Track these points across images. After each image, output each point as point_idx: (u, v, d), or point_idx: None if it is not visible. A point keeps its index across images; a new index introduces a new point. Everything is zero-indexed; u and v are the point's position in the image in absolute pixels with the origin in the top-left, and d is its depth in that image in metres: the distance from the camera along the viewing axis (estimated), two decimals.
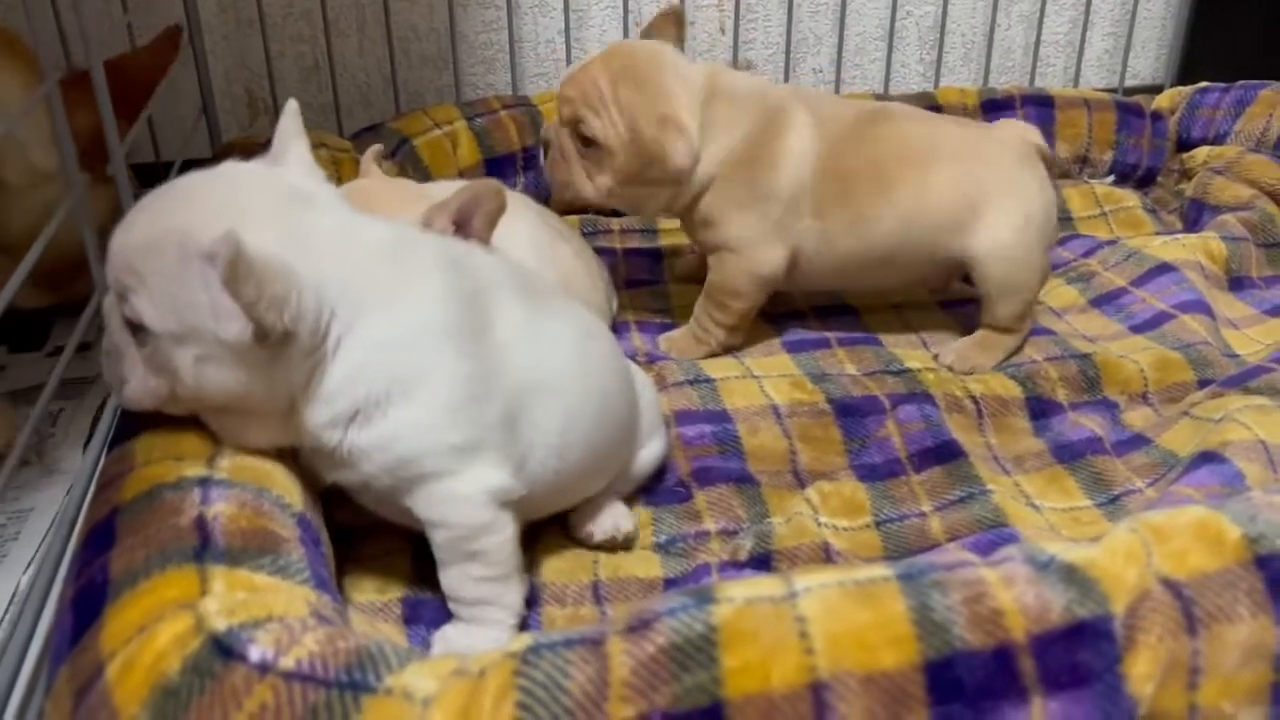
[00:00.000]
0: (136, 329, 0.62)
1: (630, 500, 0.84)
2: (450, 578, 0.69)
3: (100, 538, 0.58)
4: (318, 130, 1.35)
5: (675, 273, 1.22)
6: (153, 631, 0.50)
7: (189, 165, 1.19)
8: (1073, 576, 0.50)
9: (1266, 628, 0.50)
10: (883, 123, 1.02)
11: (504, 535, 0.68)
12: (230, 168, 0.66)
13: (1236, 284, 1.22)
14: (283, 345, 0.61)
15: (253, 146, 1.16)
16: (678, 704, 0.45)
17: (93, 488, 0.67)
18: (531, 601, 0.74)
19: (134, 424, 0.69)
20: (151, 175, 1.29)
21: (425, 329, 0.65)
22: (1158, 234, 1.34)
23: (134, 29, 1.29)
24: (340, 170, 1.16)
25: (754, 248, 1.00)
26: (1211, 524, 0.53)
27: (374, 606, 0.73)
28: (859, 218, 1.00)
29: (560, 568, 0.78)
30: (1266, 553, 0.52)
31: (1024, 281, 1.02)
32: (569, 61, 1.46)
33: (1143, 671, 0.48)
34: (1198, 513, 0.54)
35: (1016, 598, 0.49)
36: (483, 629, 0.69)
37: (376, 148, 0.99)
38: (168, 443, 0.66)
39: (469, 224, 0.81)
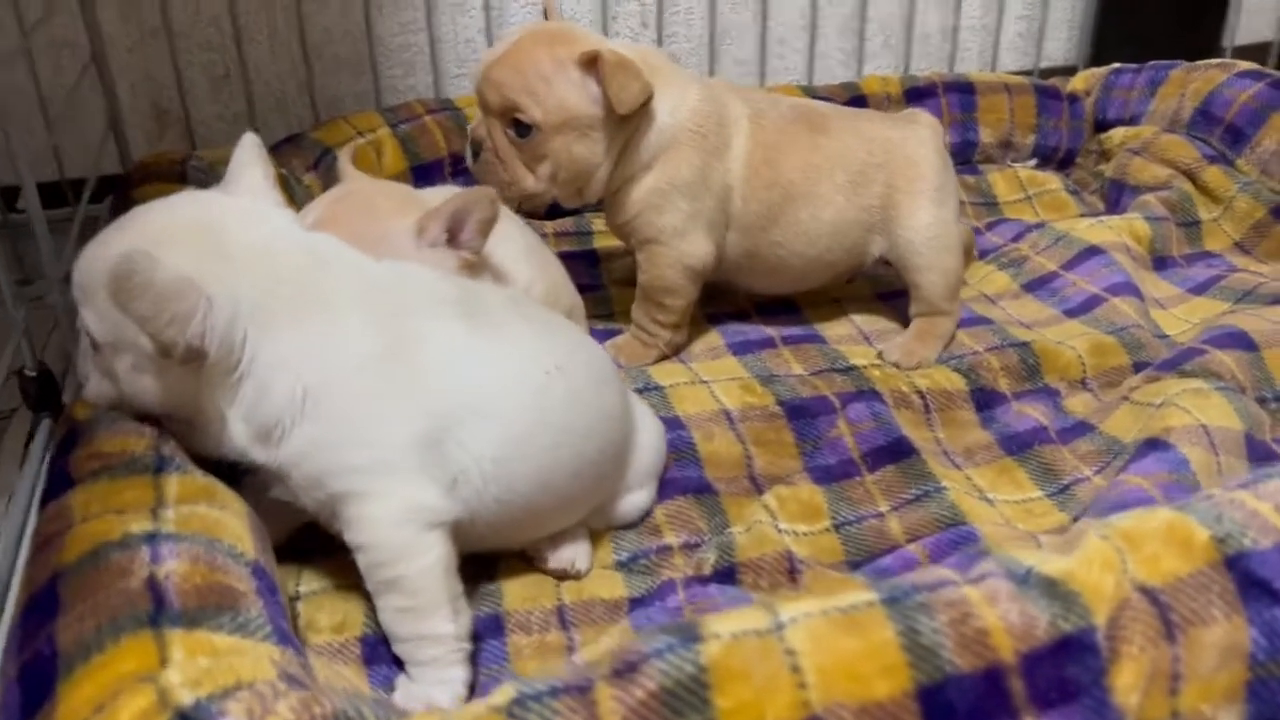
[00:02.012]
0: (91, 337, 0.68)
1: None
2: (381, 612, 0.67)
3: (43, 605, 0.55)
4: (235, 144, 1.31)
5: (613, 276, 1.20)
6: (112, 710, 0.47)
7: (106, 182, 1.16)
8: (1054, 590, 0.51)
9: (1240, 627, 0.51)
10: (819, 133, 1.03)
11: (424, 561, 0.66)
12: (180, 196, 0.71)
13: (1160, 263, 1.25)
14: (197, 360, 0.64)
15: (169, 164, 1.12)
16: None
17: (27, 546, 0.63)
18: (495, 630, 0.73)
19: (66, 477, 0.66)
20: (56, 194, 1.24)
21: (326, 347, 0.66)
22: (1082, 216, 1.37)
23: (31, 39, 1.22)
24: None
25: (683, 239, 0.99)
26: (1180, 527, 0.54)
27: (332, 648, 0.70)
28: (790, 224, 1.02)
29: (521, 593, 0.76)
30: (1234, 553, 0.52)
31: (949, 259, 1.05)
32: None
33: (1127, 682, 0.49)
34: (1165, 515, 0.55)
35: (1002, 616, 0.49)
36: (434, 671, 0.67)
37: (350, 147, 0.96)
38: (107, 493, 0.63)
39: (461, 232, 0.80)
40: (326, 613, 0.73)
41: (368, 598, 0.71)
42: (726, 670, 0.47)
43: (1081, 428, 0.94)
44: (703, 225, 1.00)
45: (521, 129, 0.95)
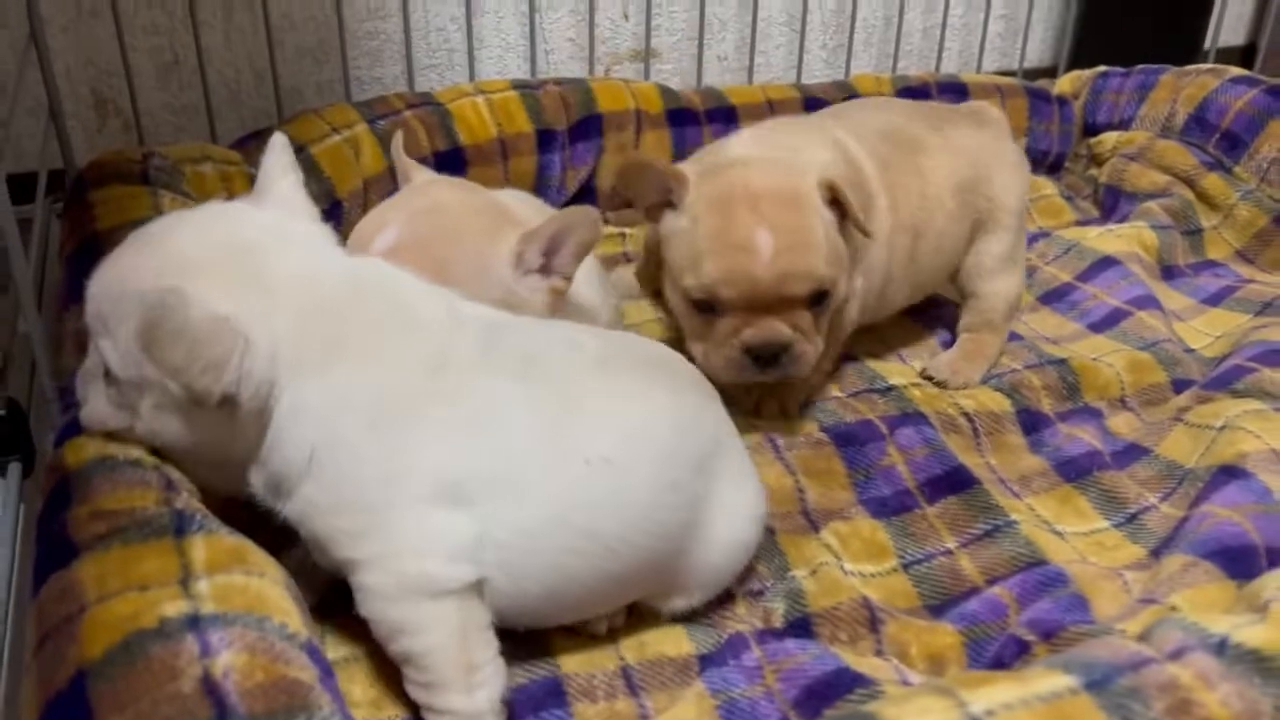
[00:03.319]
0: (106, 368, 0.60)
1: None
2: (404, 682, 0.61)
3: (69, 713, 0.45)
4: (194, 140, 1.19)
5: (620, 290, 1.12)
6: None
7: (55, 176, 1.03)
8: (1261, 663, 0.45)
9: None
10: (919, 154, 0.95)
11: (432, 637, 0.59)
12: (209, 210, 0.63)
13: (1167, 273, 1.23)
14: (231, 405, 0.57)
15: (128, 163, 1.00)
16: None
17: (14, 596, 0.53)
18: (556, 699, 0.65)
19: (67, 543, 0.55)
20: None
21: (345, 399, 0.59)
22: (1079, 223, 1.34)
23: None
24: (231, 186, 1.01)
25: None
26: None
27: None
28: (917, 263, 0.96)
29: (580, 656, 0.68)
30: None
31: (1017, 275, 1.00)
32: (470, 51, 1.33)
33: None
34: None
35: (1223, 701, 0.43)
36: None
37: (399, 135, 0.86)
38: (123, 564, 0.53)
39: (556, 254, 0.72)
40: (360, 685, 0.65)
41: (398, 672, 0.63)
42: None
43: (1135, 450, 0.90)
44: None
45: (820, 298, 0.82)
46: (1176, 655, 0.46)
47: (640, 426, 0.65)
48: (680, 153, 1.26)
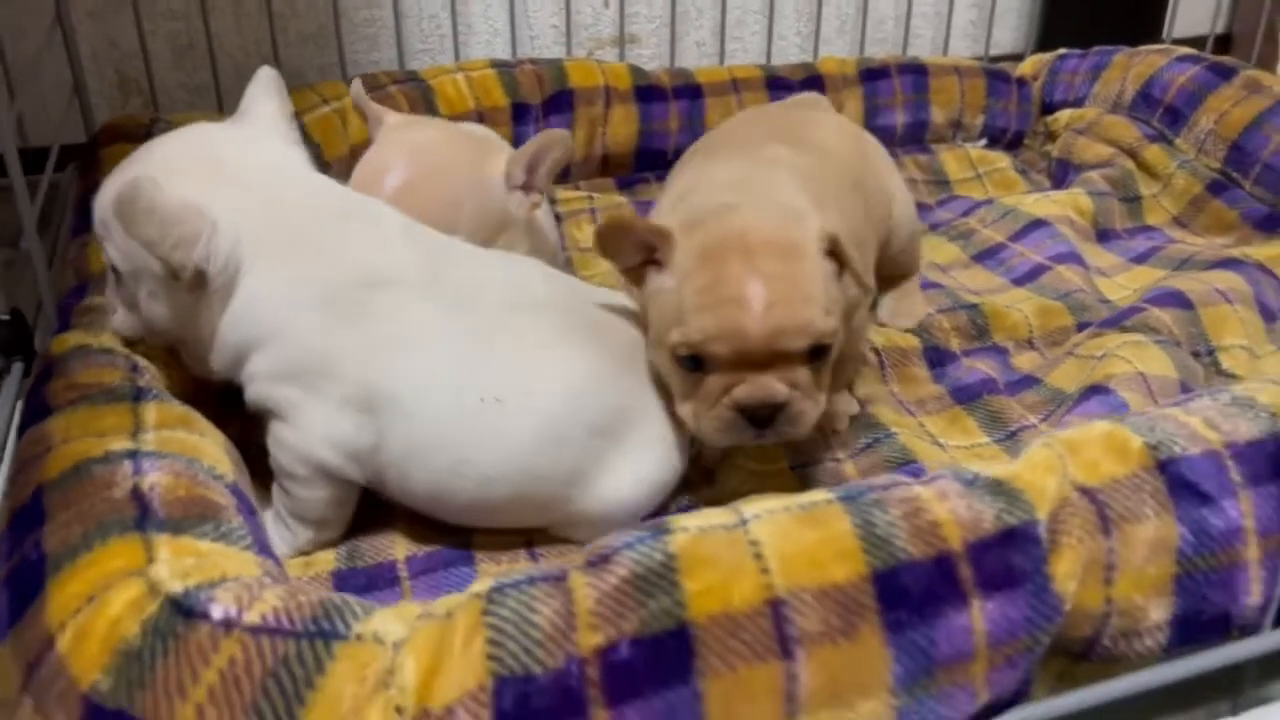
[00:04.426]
0: (115, 270, 0.72)
1: None
2: (274, 489, 0.74)
3: (28, 517, 0.56)
4: (200, 112, 1.32)
5: (577, 243, 1.23)
6: (103, 600, 0.49)
7: (67, 151, 1.16)
8: (999, 489, 0.54)
9: (1169, 525, 0.55)
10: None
11: (316, 494, 0.71)
12: (190, 129, 0.74)
13: (1103, 236, 1.30)
14: (203, 285, 0.68)
15: (135, 126, 1.13)
16: (645, 629, 0.47)
17: (7, 470, 0.64)
18: (465, 560, 0.75)
19: (44, 406, 0.67)
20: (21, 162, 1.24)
21: (297, 292, 0.69)
22: (1029, 193, 1.42)
23: None
24: None
25: None
26: (1118, 435, 0.58)
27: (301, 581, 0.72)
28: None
29: (494, 538, 0.77)
30: (1166, 458, 0.56)
31: (917, 219, 1.09)
32: (455, 37, 1.45)
33: (1066, 570, 0.52)
34: (1104, 426, 0.59)
35: (951, 510, 0.52)
36: (275, 532, 0.73)
37: (359, 80, 0.97)
38: (86, 419, 0.64)
39: (535, 172, 0.83)
40: None
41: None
42: (694, 557, 0.49)
43: (1028, 381, 0.98)
44: None
45: (820, 351, 0.73)
46: (928, 482, 0.55)
47: (540, 378, 0.72)
48: (647, 127, 1.37)
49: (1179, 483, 0.56)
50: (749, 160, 0.85)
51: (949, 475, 0.55)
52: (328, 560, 0.74)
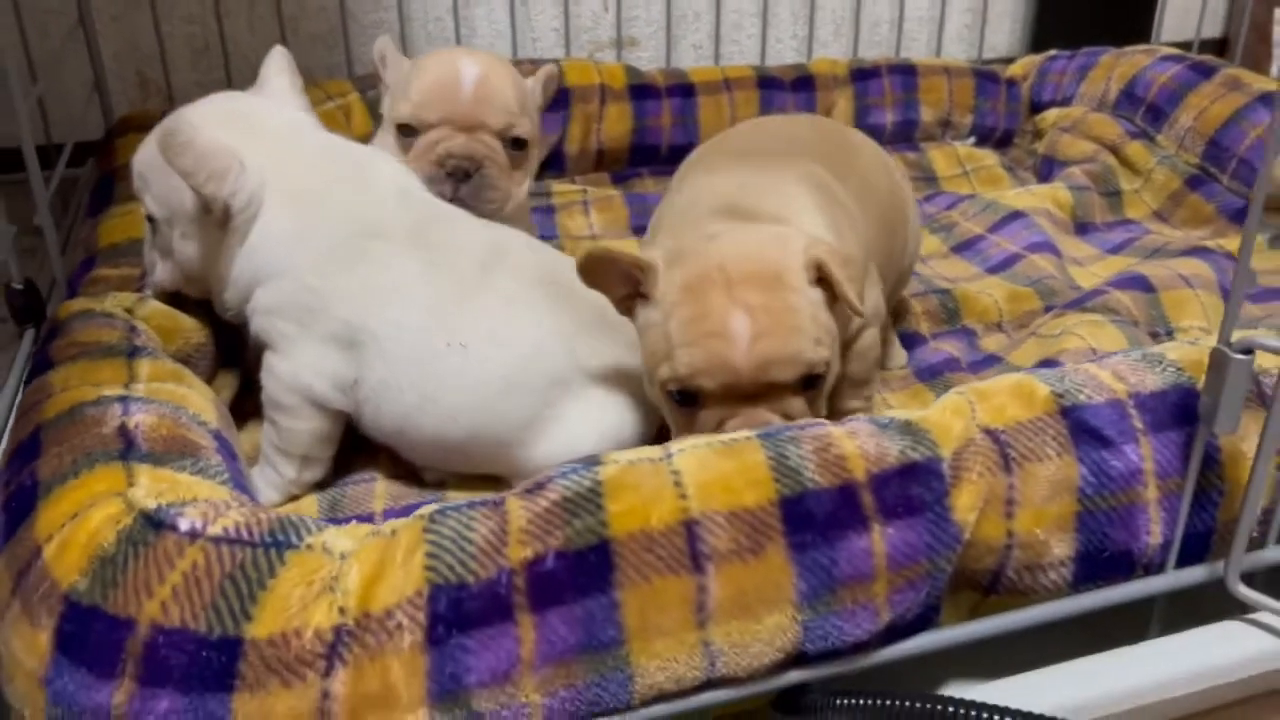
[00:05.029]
0: (152, 223, 0.81)
1: None
2: (264, 428, 0.80)
3: (26, 451, 0.62)
4: None
5: (568, 231, 1.28)
6: (86, 515, 0.54)
7: (81, 148, 1.24)
8: (908, 429, 0.59)
9: (1070, 465, 0.59)
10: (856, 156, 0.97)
11: (301, 425, 0.78)
12: (217, 95, 0.84)
13: (1082, 228, 1.34)
14: (227, 220, 0.76)
15: (151, 119, 1.20)
16: (569, 544, 0.52)
17: (13, 417, 0.70)
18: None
19: (47, 361, 0.72)
20: (44, 157, 1.31)
21: (300, 237, 0.77)
22: (1012, 188, 1.46)
23: (21, 6, 1.29)
24: None
25: None
26: (1026, 384, 0.62)
27: None
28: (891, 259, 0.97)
29: (467, 493, 0.82)
30: (1070, 405, 0.60)
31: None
32: (458, 38, 1.52)
33: (966, 503, 0.56)
34: (1015, 377, 0.63)
35: (859, 446, 0.57)
36: (261, 477, 0.80)
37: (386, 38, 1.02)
38: (84, 371, 0.70)
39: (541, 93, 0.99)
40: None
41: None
42: (619, 484, 0.54)
43: (991, 360, 1.02)
44: None
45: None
46: (844, 424, 0.59)
47: (506, 329, 0.78)
48: (641, 124, 1.42)
49: (1081, 427, 0.60)
50: (773, 171, 0.84)
51: (865, 419, 0.59)
52: (310, 510, 0.79)
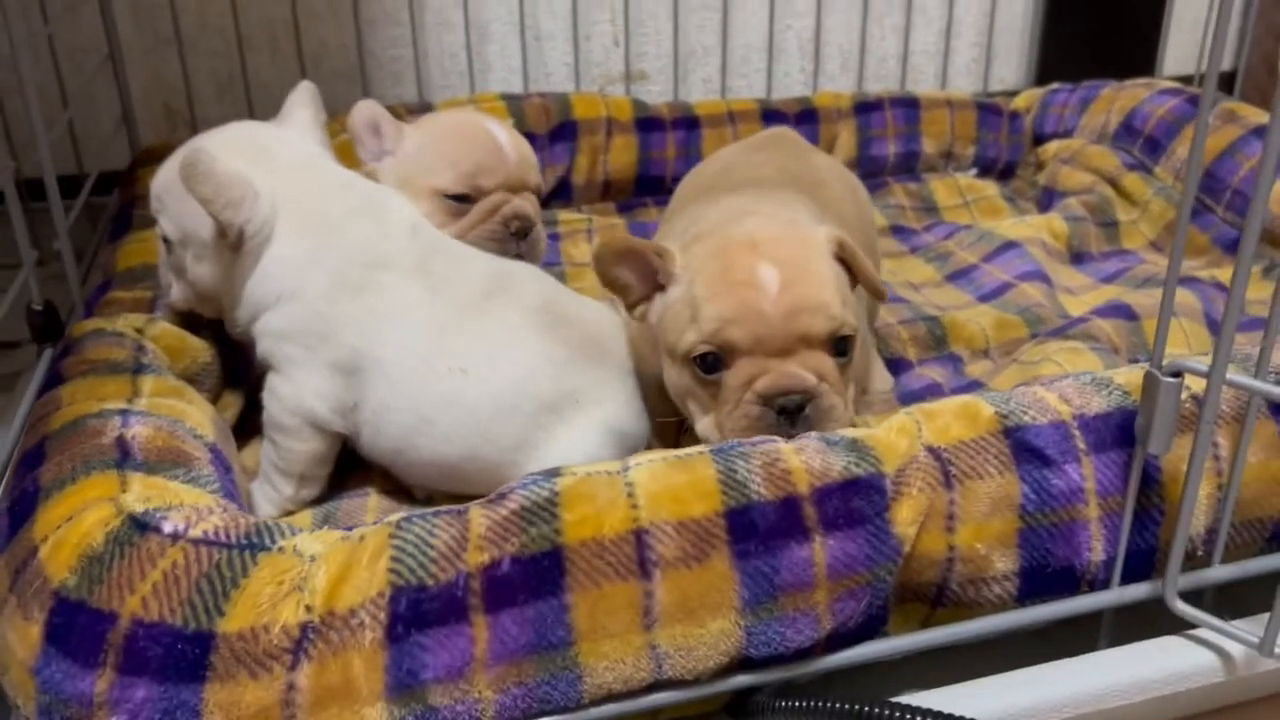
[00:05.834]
0: (167, 244, 0.84)
1: None
2: (263, 446, 0.84)
3: (31, 459, 0.66)
4: None
5: (571, 258, 1.32)
6: (80, 518, 0.58)
7: (105, 177, 1.30)
8: (854, 446, 0.61)
9: (1011, 483, 0.61)
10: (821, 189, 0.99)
11: (300, 446, 0.81)
12: (236, 124, 0.88)
13: (1078, 258, 1.36)
14: (240, 244, 0.80)
15: (170, 151, 1.25)
16: (524, 550, 0.55)
17: (23, 431, 0.74)
18: None
19: (57, 377, 0.77)
20: (74, 185, 1.38)
21: (308, 263, 0.81)
22: (1010, 218, 1.48)
23: (56, 43, 1.36)
24: None
25: None
26: (972, 405, 0.64)
27: None
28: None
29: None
30: (1014, 425, 0.63)
31: None
32: (471, 73, 1.57)
33: (907, 517, 0.59)
34: (963, 399, 0.65)
35: (805, 461, 0.60)
36: (260, 493, 0.83)
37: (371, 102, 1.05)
38: (91, 386, 0.74)
39: None
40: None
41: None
42: (575, 494, 0.57)
43: (973, 386, 1.04)
44: None
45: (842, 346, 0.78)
46: (795, 441, 0.62)
47: (504, 356, 0.81)
48: (646, 155, 1.46)
49: (1023, 447, 0.62)
50: (762, 199, 0.84)
51: (815, 437, 0.62)
52: (305, 523, 0.83)
